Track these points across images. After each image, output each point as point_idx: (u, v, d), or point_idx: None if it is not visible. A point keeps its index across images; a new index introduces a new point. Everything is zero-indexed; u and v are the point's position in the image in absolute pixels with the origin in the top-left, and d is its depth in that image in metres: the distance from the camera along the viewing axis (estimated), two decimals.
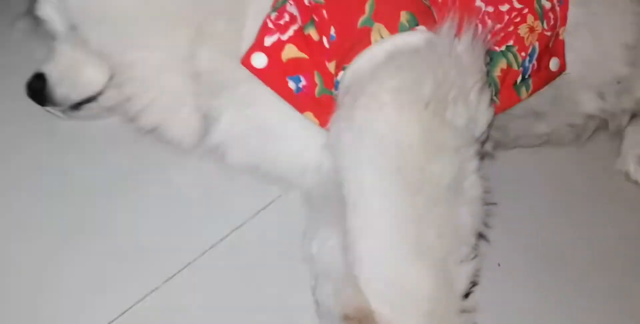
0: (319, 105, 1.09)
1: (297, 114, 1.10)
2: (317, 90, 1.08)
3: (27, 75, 1.34)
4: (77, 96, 1.23)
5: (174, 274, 1.10)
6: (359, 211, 0.96)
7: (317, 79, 1.07)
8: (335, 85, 1.06)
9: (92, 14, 1.12)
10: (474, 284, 0.93)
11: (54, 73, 1.22)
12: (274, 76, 1.08)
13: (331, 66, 1.06)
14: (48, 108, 1.27)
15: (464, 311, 0.90)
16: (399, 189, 0.93)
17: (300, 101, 1.09)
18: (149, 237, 1.16)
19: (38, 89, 1.23)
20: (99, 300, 1.05)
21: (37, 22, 1.40)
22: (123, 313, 1.04)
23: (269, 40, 1.06)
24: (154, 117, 1.19)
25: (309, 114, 1.09)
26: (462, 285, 0.91)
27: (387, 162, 0.94)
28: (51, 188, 1.22)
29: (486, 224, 0.99)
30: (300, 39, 1.06)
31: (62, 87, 1.22)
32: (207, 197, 1.23)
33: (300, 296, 1.08)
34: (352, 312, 0.92)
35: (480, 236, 0.99)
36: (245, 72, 1.09)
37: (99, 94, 1.23)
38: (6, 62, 1.45)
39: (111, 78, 1.20)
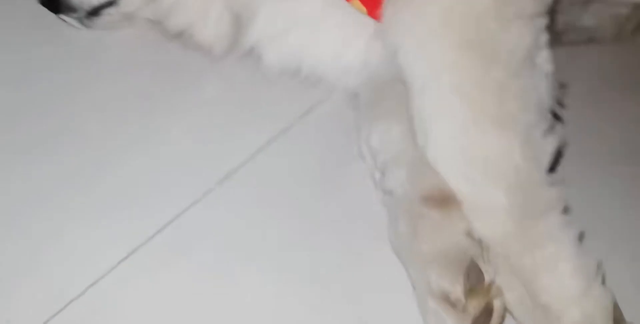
0: None
1: (343, 4, 1.02)
2: None
3: None
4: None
5: (221, 181, 1.03)
6: (429, 90, 0.90)
7: None
8: None
9: None
10: (559, 156, 0.89)
11: None
12: None
13: None
14: (63, 16, 1.16)
15: (552, 184, 0.85)
16: (474, 61, 0.87)
17: None
18: (188, 149, 1.07)
19: None
20: (155, 200, 0.98)
21: None
22: (171, 222, 0.97)
23: None
24: (182, 19, 1.10)
25: (356, 2, 1.02)
26: (547, 158, 0.87)
27: (457, 35, 0.88)
28: (75, 105, 1.12)
29: (560, 104, 0.94)
30: None
31: None
32: (243, 105, 1.15)
33: (350, 197, 1.03)
34: (433, 193, 0.86)
35: (555, 116, 0.93)
36: None
37: None
38: None
39: None
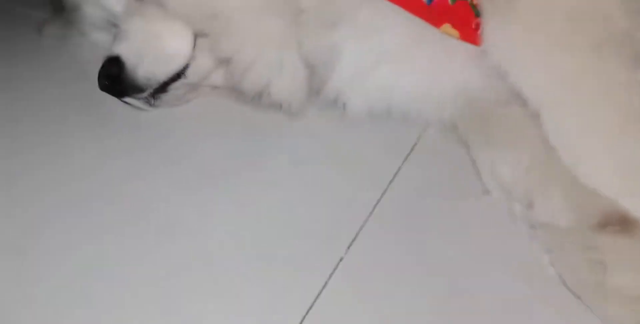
0: (455, 14, 0.95)
1: (431, 32, 0.96)
2: None
3: (70, 79, 1.21)
4: (163, 73, 1.04)
5: (353, 241, 0.93)
6: (564, 104, 0.82)
7: None
8: None
9: None
10: None
11: (131, 52, 1.03)
12: None
13: None
14: (128, 99, 1.09)
15: None
16: (613, 63, 0.79)
17: (434, 14, 0.95)
18: (310, 218, 0.97)
19: (115, 76, 1.04)
20: (297, 278, 0.88)
21: (68, 20, 1.25)
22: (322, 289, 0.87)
23: None
24: (258, 78, 1.02)
25: (447, 27, 0.95)
26: None
27: (586, 38, 0.81)
28: (182, 178, 1.04)
29: None
30: None
31: (144, 66, 1.03)
32: (340, 161, 1.06)
33: (481, 235, 0.94)
34: (609, 217, 0.77)
35: None
36: None
37: (187, 66, 1.05)
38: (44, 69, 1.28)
39: (197, 40, 1.03)
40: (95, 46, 1.23)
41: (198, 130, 1.12)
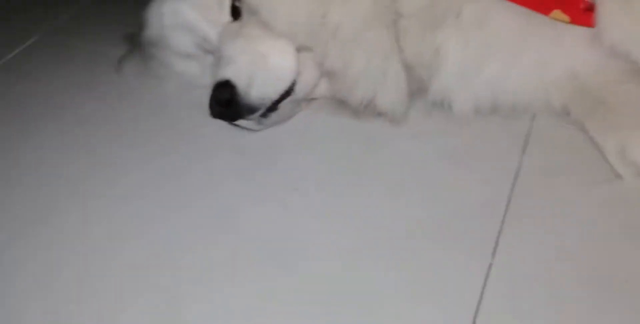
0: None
1: (538, 20, 0.97)
2: None
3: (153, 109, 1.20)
4: (275, 92, 1.05)
5: (496, 244, 0.92)
6: None
7: None
8: None
9: None
10: None
11: (240, 74, 1.03)
12: None
13: None
14: (240, 122, 1.09)
15: None
16: None
17: (540, 1, 0.95)
18: (442, 223, 0.96)
19: (228, 101, 1.04)
20: (450, 297, 0.86)
21: (147, 55, 1.25)
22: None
23: None
24: (365, 89, 1.03)
25: (557, 12, 0.95)
26: None
27: None
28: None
29: None
30: None
31: (256, 87, 1.03)
32: (458, 161, 1.06)
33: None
34: None
35: None
36: None
37: (294, 82, 1.06)
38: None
39: (301, 54, 1.04)
40: (180, 77, 1.24)
41: (305, 144, 1.12)
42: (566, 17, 0.96)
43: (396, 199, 1.00)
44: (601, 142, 1.00)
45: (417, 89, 1.09)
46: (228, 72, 1.05)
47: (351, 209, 0.99)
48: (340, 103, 1.12)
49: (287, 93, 1.06)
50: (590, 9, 0.96)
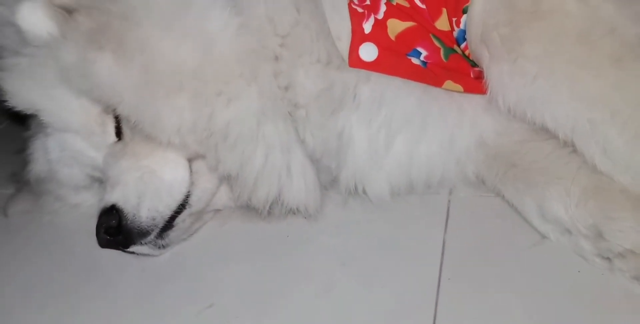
0: (452, 69, 0.95)
1: (435, 92, 0.95)
2: (442, 54, 0.94)
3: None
4: (167, 208, 0.96)
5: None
6: (607, 123, 0.81)
7: (436, 43, 0.93)
8: (459, 36, 0.93)
9: (155, 97, 0.89)
10: None
11: (127, 196, 0.95)
12: (394, 62, 0.93)
13: (441, 23, 0.93)
14: (135, 248, 0.98)
15: None
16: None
17: (432, 75, 0.94)
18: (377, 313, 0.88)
19: (116, 227, 0.95)
20: None
21: (37, 191, 1.16)
22: None
23: (367, 26, 0.91)
24: (268, 187, 0.95)
25: (449, 83, 0.94)
26: None
27: (604, 55, 0.82)
28: None
29: None
30: (396, 10, 0.92)
31: (145, 206, 0.95)
32: (384, 246, 0.98)
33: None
34: None
35: None
36: (359, 72, 0.93)
37: (189, 194, 0.98)
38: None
39: (193, 164, 0.97)
40: (77, 209, 1.16)
41: (217, 256, 1.02)
42: (459, 87, 0.95)
43: (327, 297, 0.91)
44: (519, 206, 0.95)
45: (329, 181, 1.03)
46: (113, 196, 0.96)
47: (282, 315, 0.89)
48: (247, 208, 1.04)
49: (182, 207, 0.98)
50: (481, 77, 0.94)
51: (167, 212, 0.96)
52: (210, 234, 1.07)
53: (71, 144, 1.04)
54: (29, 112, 1.02)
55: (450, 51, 0.94)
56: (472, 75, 0.95)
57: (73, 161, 1.06)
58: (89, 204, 1.14)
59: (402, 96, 0.94)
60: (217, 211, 1.08)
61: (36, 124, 1.11)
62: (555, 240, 0.90)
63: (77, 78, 0.92)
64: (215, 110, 0.90)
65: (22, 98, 0.99)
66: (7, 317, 1.00)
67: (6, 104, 1.01)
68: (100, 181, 1.08)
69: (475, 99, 0.97)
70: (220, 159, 0.93)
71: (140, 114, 0.91)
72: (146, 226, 0.95)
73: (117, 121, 1.00)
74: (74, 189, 1.12)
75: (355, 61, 0.92)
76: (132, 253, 1.00)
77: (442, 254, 0.93)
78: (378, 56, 0.92)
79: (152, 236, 0.97)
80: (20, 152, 1.19)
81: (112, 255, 1.04)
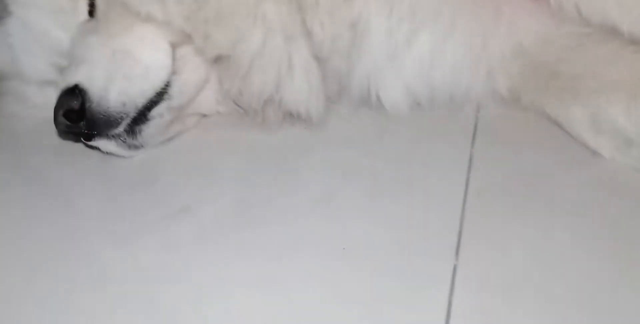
0: None
1: None
2: None
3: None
4: (140, 94, 0.80)
5: (458, 244, 0.68)
6: None
7: None
8: None
9: None
10: None
11: (94, 75, 0.78)
12: None
13: None
14: (100, 141, 0.82)
15: None
16: None
17: None
18: (398, 230, 0.72)
19: (78, 110, 0.78)
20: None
21: None
22: None
23: None
24: (265, 78, 0.80)
25: None
26: None
27: None
28: None
29: None
30: None
31: (115, 88, 0.78)
32: (401, 162, 0.82)
33: None
34: None
35: None
36: None
37: (169, 83, 0.81)
38: None
39: (177, 50, 0.81)
40: (40, 110, 0.97)
41: (198, 169, 0.85)
42: None
43: (326, 207, 0.75)
44: (565, 120, 0.80)
45: (335, 92, 0.87)
46: (77, 75, 0.79)
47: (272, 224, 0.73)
48: (238, 114, 0.88)
49: (159, 97, 0.81)
50: None
51: (141, 100, 0.80)
52: (192, 142, 0.90)
53: (36, 23, 0.88)
54: None
55: None
56: None
57: (37, 45, 0.90)
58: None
59: None
60: (203, 116, 0.92)
61: None
62: (609, 156, 0.76)
63: None
64: None
65: None
66: None
67: None
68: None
69: None
70: (210, 36, 0.77)
71: None
72: (114, 112, 0.78)
73: None
74: (38, 84, 0.95)
75: None
76: (96, 149, 0.83)
77: (469, 170, 0.78)
78: None
79: (121, 128, 0.80)
80: None
81: (73, 162, 0.88)
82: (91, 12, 0.85)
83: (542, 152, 0.79)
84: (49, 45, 0.89)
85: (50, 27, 0.87)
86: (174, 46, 0.81)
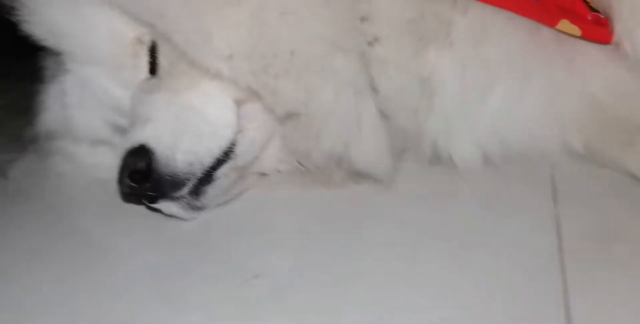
0: (569, 8, 0.78)
1: (543, 35, 0.78)
2: None
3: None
4: (208, 153, 0.77)
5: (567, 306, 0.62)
6: None
7: None
8: None
9: (207, 8, 0.72)
10: None
11: (160, 134, 0.76)
12: None
13: None
14: (163, 204, 0.78)
15: None
16: None
17: (545, 11, 0.77)
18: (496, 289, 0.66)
19: (145, 172, 0.75)
20: None
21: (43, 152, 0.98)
22: None
23: None
24: (338, 132, 0.77)
25: (565, 23, 0.76)
26: None
27: None
28: None
29: None
30: None
31: (182, 149, 0.75)
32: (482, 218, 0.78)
33: None
34: None
35: None
36: (456, 2, 0.77)
37: (234, 142, 0.79)
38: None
39: (242, 107, 0.79)
40: (91, 170, 0.96)
41: (262, 231, 0.81)
42: (576, 29, 0.77)
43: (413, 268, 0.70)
44: None
45: (398, 150, 0.85)
46: (143, 134, 0.77)
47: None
48: (300, 173, 0.85)
49: (226, 156, 0.79)
50: (600, 22, 0.77)
51: (208, 160, 0.77)
52: (253, 202, 0.86)
53: (94, 81, 0.86)
54: (47, 41, 0.85)
55: None
56: (589, 18, 0.78)
57: (94, 103, 0.88)
58: (106, 166, 0.94)
59: (506, 33, 0.77)
60: (263, 175, 0.88)
61: (53, 64, 0.94)
62: None
63: None
64: (280, 31, 0.73)
65: (42, 20, 0.82)
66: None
67: (21, 32, 0.85)
68: (123, 132, 0.89)
69: (589, 49, 0.79)
70: (280, 93, 0.75)
71: (185, 32, 0.74)
72: (181, 173, 0.76)
73: (152, 53, 0.82)
74: (91, 143, 0.94)
75: None
76: (158, 211, 0.80)
77: (558, 229, 0.73)
78: None
79: (187, 189, 0.77)
80: (24, 112, 1.01)
81: (125, 225, 0.85)
82: (152, 70, 0.83)
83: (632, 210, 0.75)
84: (107, 103, 0.87)
85: (110, 84, 0.85)
86: (238, 103, 0.79)
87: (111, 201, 0.90)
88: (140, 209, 0.86)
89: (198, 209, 0.80)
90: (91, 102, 0.88)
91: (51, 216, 0.93)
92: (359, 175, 0.82)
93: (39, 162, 1.02)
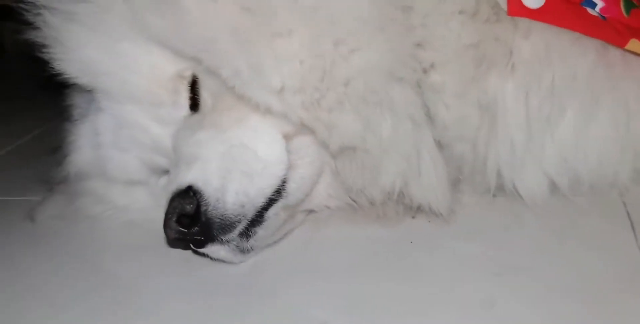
0: (635, 28, 0.74)
1: (611, 57, 0.74)
2: (622, 7, 0.74)
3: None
4: (260, 195, 0.72)
5: None
6: None
7: None
8: None
9: (257, 40, 0.68)
10: None
11: (209, 175, 0.71)
12: (565, 10, 0.72)
13: None
14: (211, 249, 0.73)
15: None
16: None
17: (612, 31, 0.73)
18: None
19: (193, 215, 0.70)
20: None
21: (73, 194, 0.94)
22: None
23: None
24: (397, 167, 0.72)
25: (635, 43, 0.73)
26: None
27: None
28: None
29: None
30: None
31: (232, 190, 0.70)
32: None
33: None
34: None
35: None
36: (518, 24, 0.73)
37: (285, 180, 0.73)
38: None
39: (292, 142, 0.74)
40: (124, 212, 0.92)
41: (315, 273, 0.75)
42: None
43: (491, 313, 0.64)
44: None
45: (454, 180, 0.80)
46: (190, 175, 0.72)
47: None
48: (351, 208, 0.80)
49: (277, 195, 0.73)
50: None
51: (260, 200, 0.72)
52: (302, 241, 0.81)
53: (131, 119, 0.81)
54: (80, 79, 0.81)
55: (632, 5, 0.74)
56: None
57: (130, 142, 0.83)
58: (140, 207, 0.90)
59: (572, 56, 0.73)
60: (310, 212, 0.83)
61: (83, 102, 0.89)
62: None
63: (155, 19, 0.71)
64: (334, 62, 0.69)
65: (78, 58, 0.78)
66: None
67: (53, 71, 0.80)
68: (160, 172, 0.85)
69: None
70: (335, 126, 0.70)
71: (233, 65, 0.69)
72: (232, 216, 0.70)
73: (193, 88, 0.78)
74: (125, 184, 0.89)
75: (516, 8, 0.71)
76: (205, 255, 0.75)
77: None
78: (545, 2, 0.71)
79: (237, 231, 0.72)
80: (53, 152, 0.97)
81: (162, 270, 0.79)
82: (193, 106, 0.79)
83: None
84: (145, 142, 0.82)
85: (148, 122, 0.80)
86: (287, 137, 0.75)
87: (144, 243, 0.86)
88: (179, 253, 0.82)
89: (247, 251, 0.75)
90: (127, 142, 0.83)
91: (79, 261, 0.87)
92: (416, 209, 0.78)
93: (67, 204, 0.97)
